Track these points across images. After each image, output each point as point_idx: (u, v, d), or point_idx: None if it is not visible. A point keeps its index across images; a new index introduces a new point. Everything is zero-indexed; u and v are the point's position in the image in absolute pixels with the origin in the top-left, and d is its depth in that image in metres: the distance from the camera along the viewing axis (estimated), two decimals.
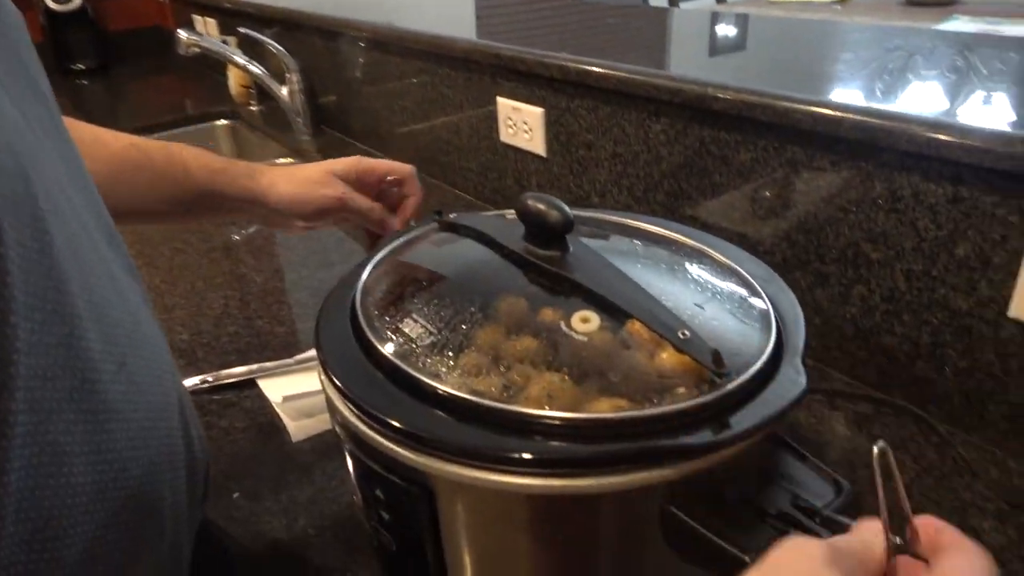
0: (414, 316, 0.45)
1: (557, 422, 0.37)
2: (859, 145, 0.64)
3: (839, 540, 0.31)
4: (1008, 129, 0.55)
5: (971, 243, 0.59)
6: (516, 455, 0.36)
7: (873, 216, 0.65)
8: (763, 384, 0.39)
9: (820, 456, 0.63)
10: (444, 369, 0.41)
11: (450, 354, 0.42)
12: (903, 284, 0.64)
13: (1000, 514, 0.56)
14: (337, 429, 0.44)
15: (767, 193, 0.74)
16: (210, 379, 0.78)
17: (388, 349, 0.43)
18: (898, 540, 0.33)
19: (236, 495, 0.63)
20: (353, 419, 0.41)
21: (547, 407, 0.38)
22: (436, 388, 0.39)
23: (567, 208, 0.47)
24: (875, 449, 0.31)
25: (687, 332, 0.40)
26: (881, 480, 0.32)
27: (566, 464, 0.36)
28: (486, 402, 0.38)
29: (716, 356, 0.38)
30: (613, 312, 0.43)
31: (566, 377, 0.40)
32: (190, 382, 0.77)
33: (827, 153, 0.67)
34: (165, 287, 1.00)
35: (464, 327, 0.43)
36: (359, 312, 0.47)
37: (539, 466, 0.36)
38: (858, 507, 0.37)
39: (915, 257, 0.63)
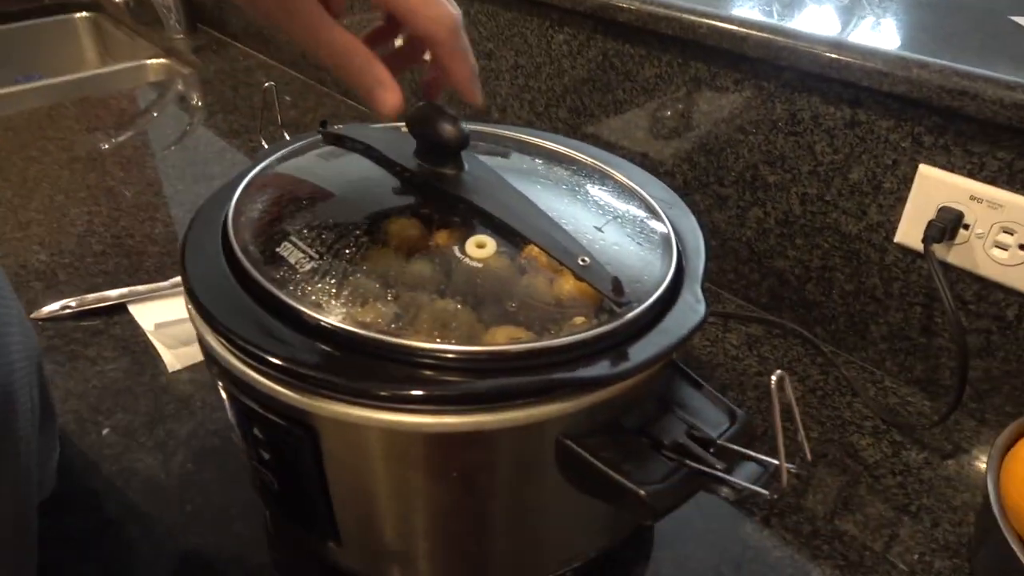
0: (293, 239, 0.41)
1: (451, 355, 0.34)
2: (762, 64, 0.62)
3: None
4: (906, 53, 0.55)
5: (864, 168, 0.59)
6: (408, 392, 0.33)
7: (773, 139, 0.64)
8: (662, 312, 0.38)
9: (713, 378, 0.64)
10: (327, 298, 0.37)
11: (333, 281, 0.38)
12: (798, 208, 0.65)
13: (876, 431, 0.58)
14: (208, 364, 0.40)
15: (670, 112, 0.72)
16: (73, 304, 0.71)
17: (264, 275, 0.39)
18: (792, 467, 0.33)
19: (106, 431, 0.58)
20: (225, 353, 0.37)
21: (440, 338, 0.35)
22: (319, 320, 0.36)
23: (462, 122, 0.43)
24: (773, 378, 0.31)
25: (587, 259, 0.38)
26: (778, 407, 0.31)
27: (461, 400, 0.34)
28: (374, 334, 0.35)
29: (616, 284, 0.37)
30: (510, 236, 0.40)
31: (460, 305, 0.37)
32: (50, 308, 0.70)
33: (731, 71, 0.65)
34: (19, 201, 0.89)
35: (349, 251, 0.40)
36: (231, 233, 0.42)
37: (433, 403, 0.34)
38: (750, 433, 0.37)
39: (811, 181, 0.63)
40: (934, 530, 0.51)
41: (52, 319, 0.70)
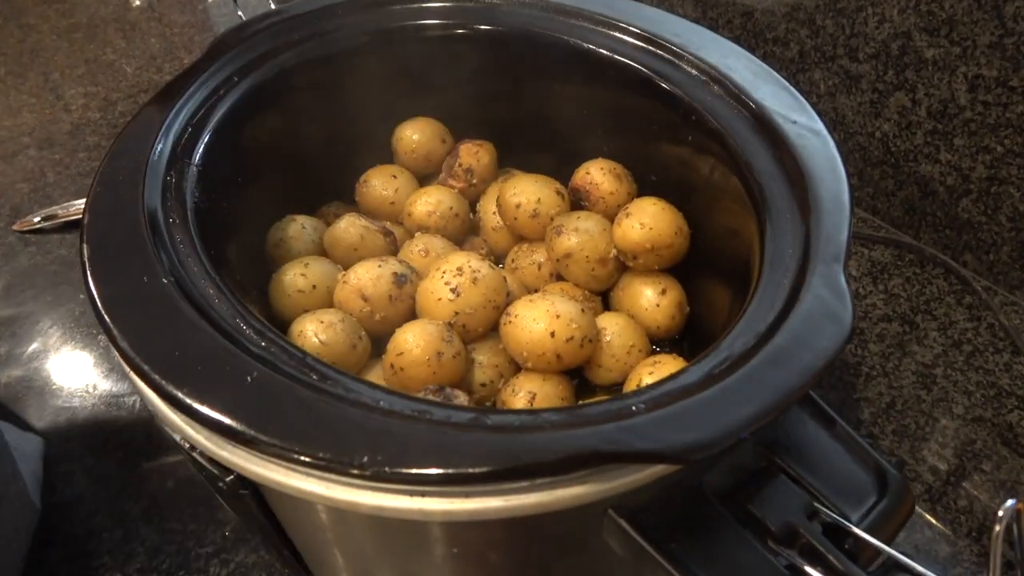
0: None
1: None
2: None
3: None
4: None
5: None
6: (400, 470, 0.21)
7: None
8: (777, 320, 0.24)
9: None
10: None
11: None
12: (964, 95, 0.47)
13: None
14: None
15: None
16: (60, 212, 0.61)
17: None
18: None
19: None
20: (128, 367, 0.26)
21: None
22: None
23: None
24: (1000, 514, 0.18)
25: None
26: (999, 553, 0.19)
27: (477, 480, 0.21)
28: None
29: None
30: None
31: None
32: (34, 217, 0.61)
33: None
34: (12, 80, 0.78)
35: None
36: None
37: (435, 484, 0.21)
38: (908, 510, 0.24)
39: (989, 57, 0.45)
40: None
41: (36, 231, 0.61)
